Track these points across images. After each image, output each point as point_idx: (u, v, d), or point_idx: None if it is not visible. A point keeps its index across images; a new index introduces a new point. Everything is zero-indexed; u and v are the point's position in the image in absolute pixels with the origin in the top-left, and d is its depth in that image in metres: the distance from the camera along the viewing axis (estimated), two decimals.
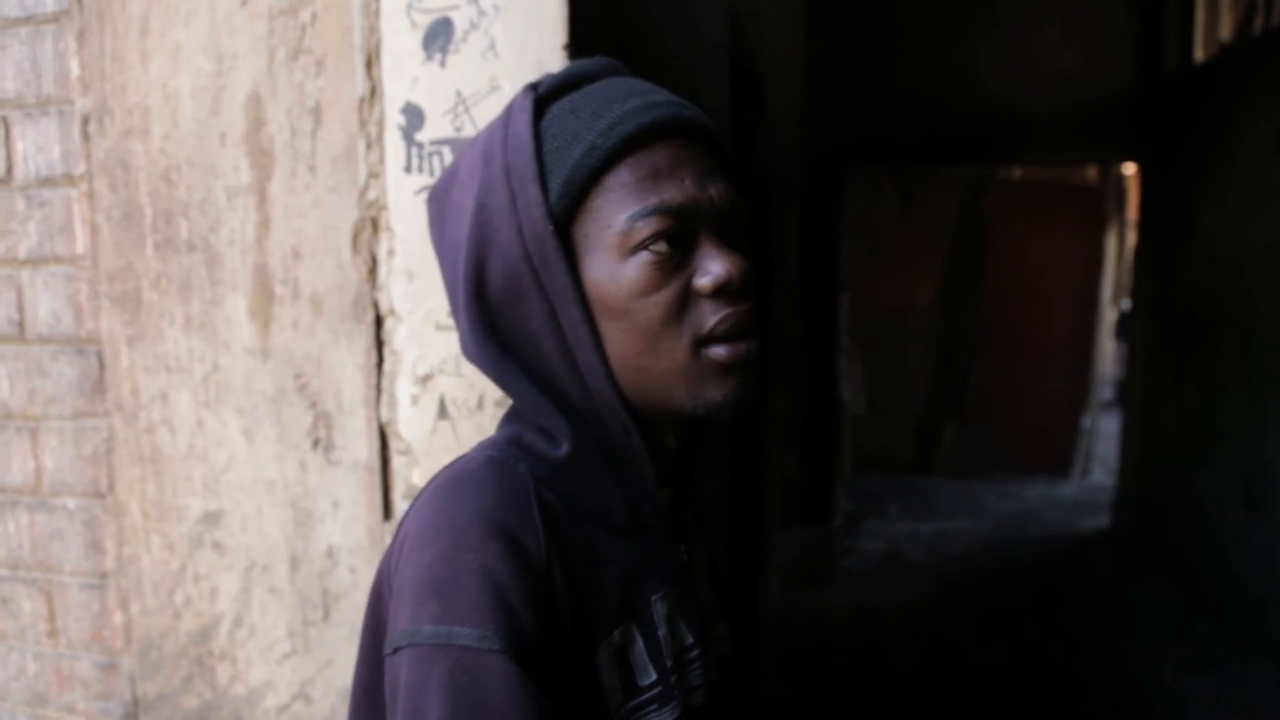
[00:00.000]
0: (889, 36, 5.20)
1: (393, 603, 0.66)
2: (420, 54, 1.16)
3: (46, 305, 1.38)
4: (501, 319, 0.70)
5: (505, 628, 0.61)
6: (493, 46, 1.13)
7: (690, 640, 0.77)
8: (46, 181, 1.36)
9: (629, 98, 0.69)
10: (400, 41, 1.17)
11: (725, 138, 0.73)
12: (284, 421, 1.30)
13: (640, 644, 0.71)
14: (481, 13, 1.13)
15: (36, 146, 1.35)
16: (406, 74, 1.17)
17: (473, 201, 0.69)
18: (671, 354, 0.68)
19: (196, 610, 1.39)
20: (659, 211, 0.66)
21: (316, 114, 1.23)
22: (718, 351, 0.68)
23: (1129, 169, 6.81)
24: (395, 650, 0.63)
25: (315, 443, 1.30)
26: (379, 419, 1.26)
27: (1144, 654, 4.13)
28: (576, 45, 1.13)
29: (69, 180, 1.35)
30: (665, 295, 0.67)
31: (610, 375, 0.68)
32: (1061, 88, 5.24)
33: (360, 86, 1.20)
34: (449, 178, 0.74)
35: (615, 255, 0.67)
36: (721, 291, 0.68)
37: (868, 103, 5.23)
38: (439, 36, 1.15)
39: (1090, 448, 7.21)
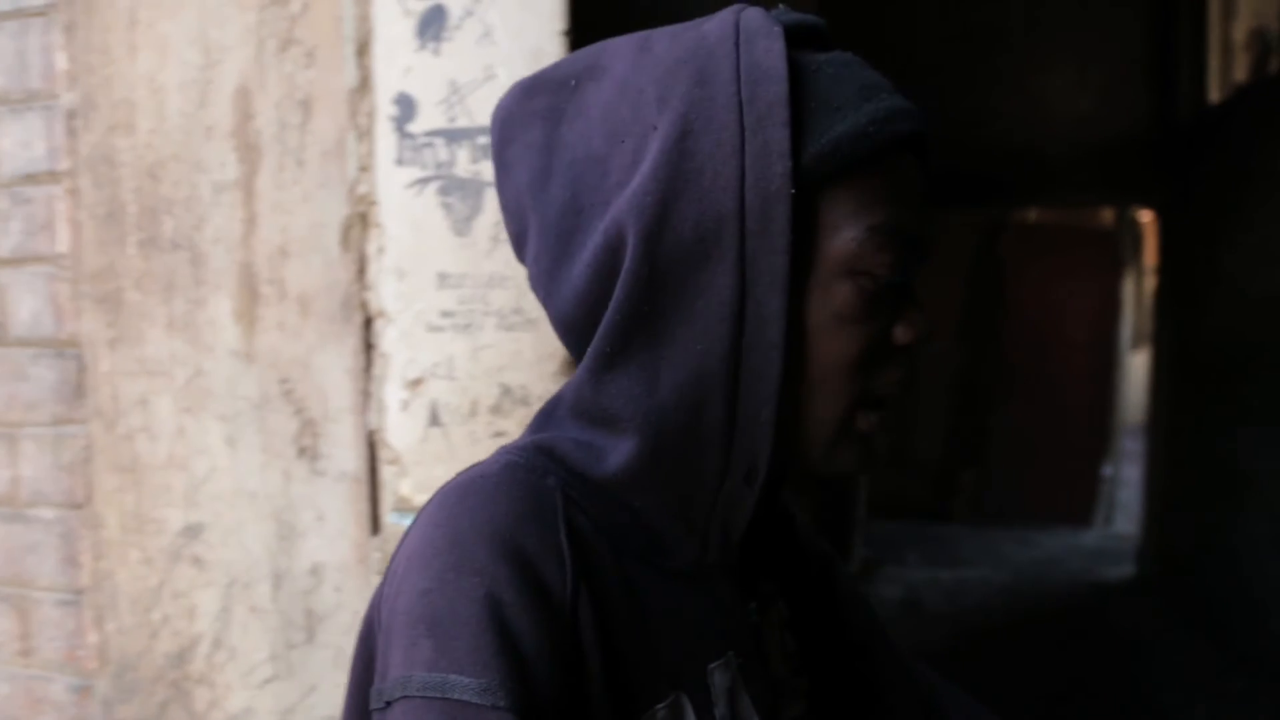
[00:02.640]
0: (901, 77, 5.20)
1: (382, 637, 0.53)
2: (413, 42, 1.12)
3: (27, 306, 1.34)
4: (668, 282, 0.54)
5: (514, 679, 0.48)
6: (488, 33, 1.09)
7: None
8: (29, 178, 1.32)
9: (890, 91, 0.57)
10: (393, 30, 1.13)
11: None
12: (268, 429, 1.24)
13: None
14: None
15: (20, 143, 1.32)
16: (399, 63, 1.13)
17: (665, 122, 0.54)
18: (834, 403, 0.57)
19: (174, 629, 1.32)
20: (900, 232, 0.56)
21: (306, 106, 1.18)
22: (870, 419, 0.58)
23: (1145, 215, 6.77)
24: (386, 704, 0.50)
25: (300, 451, 1.24)
26: (367, 426, 1.19)
27: (1176, 708, 3.96)
28: (577, 31, 1.08)
29: (52, 177, 1.31)
30: (868, 330, 0.56)
31: (780, 395, 0.54)
32: (1077, 129, 5.21)
33: (351, 77, 1.16)
34: (579, 71, 0.59)
35: (837, 265, 0.55)
36: (910, 350, 0.58)
37: None
38: (433, 24, 1.11)
39: (1112, 495, 7.05)
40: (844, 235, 0.55)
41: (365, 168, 1.16)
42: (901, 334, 0.58)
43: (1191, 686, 4.20)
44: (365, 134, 1.15)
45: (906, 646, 0.85)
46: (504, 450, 0.59)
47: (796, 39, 0.57)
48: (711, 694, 0.57)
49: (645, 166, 0.54)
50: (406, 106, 1.12)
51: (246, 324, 1.23)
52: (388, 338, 1.16)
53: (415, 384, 1.16)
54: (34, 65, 1.30)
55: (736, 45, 0.55)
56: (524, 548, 0.51)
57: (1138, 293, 7.41)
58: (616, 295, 0.54)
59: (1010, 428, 7.01)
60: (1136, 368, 7.38)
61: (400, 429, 1.17)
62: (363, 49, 1.15)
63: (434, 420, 1.16)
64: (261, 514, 1.26)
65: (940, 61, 5.23)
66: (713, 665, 0.58)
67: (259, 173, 1.21)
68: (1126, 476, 7.41)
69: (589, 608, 0.52)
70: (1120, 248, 7.03)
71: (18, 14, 1.29)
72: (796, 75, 0.55)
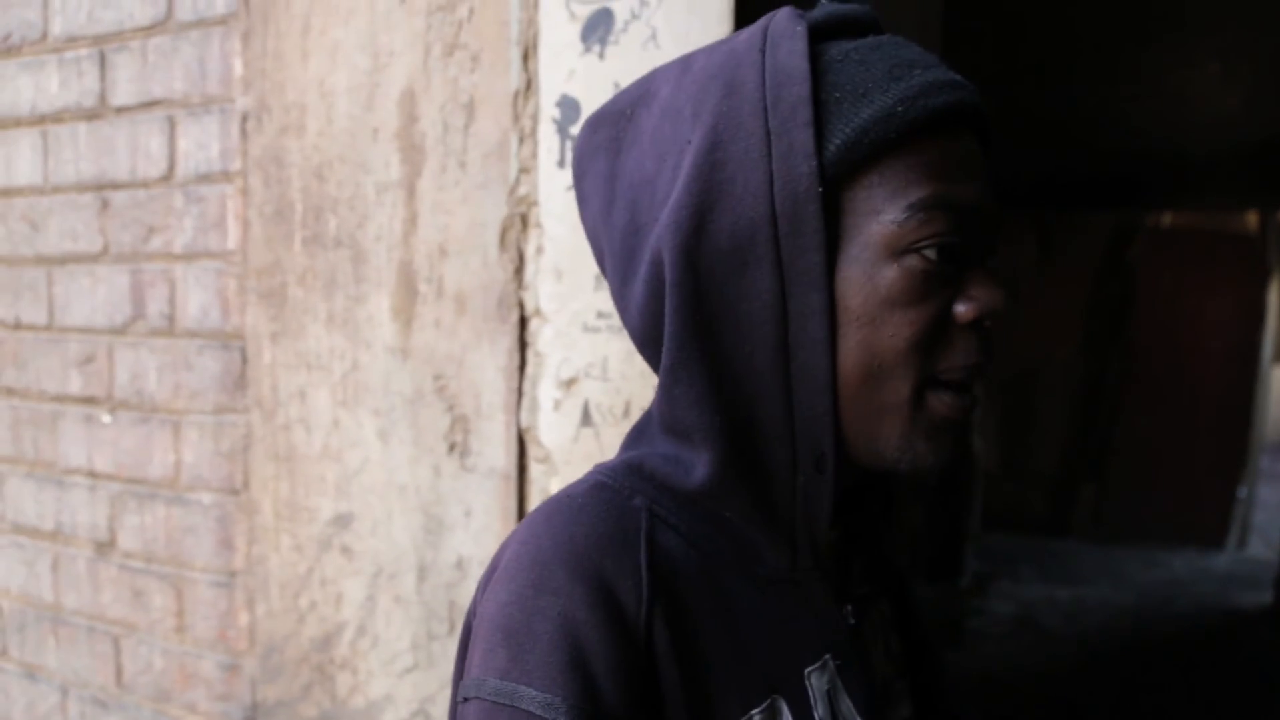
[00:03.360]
0: (1029, 72, 5.00)
1: (473, 640, 0.56)
2: (578, 45, 1.12)
3: (196, 300, 1.40)
4: (710, 286, 0.55)
5: (579, 696, 0.51)
6: (654, 37, 1.08)
7: None
8: (204, 178, 1.38)
9: (926, 67, 0.56)
10: (558, 33, 1.13)
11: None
12: (420, 424, 1.27)
13: None
14: (643, 3, 1.08)
15: (197, 144, 1.38)
16: (563, 66, 1.13)
17: (698, 136, 0.56)
18: (897, 389, 0.55)
19: (321, 615, 1.36)
20: (946, 206, 0.54)
21: (469, 109, 1.20)
22: (944, 400, 0.56)
23: None
24: (464, 700, 0.54)
25: (451, 447, 1.26)
26: (518, 424, 1.20)
27: None
28: None
29: (225, 177, 1.36)
30: (923, 312, 0.55)
31: (834, 387, 0.55)
32: (1220, 129, 4.92)
33: (515, 80, 1.17)
34: (634, 100, 0.62)
35: (879, 250, 0.55)
36: (979, 328, 0.56)
37: (1005, 140, 5.03)
38: (598, 27, 1.11)
39: (1247, 517, 6.65)
40: (884, 218, 0.55)
41: (526, 169, 1.17)
42: (964, 311, 0.56)
43: None
44: (528, 136, 1.16)
45: (1020, 664, 0.82)
46: (596, 469, 0.61)
47: (833, 30, 0.58)
48: (810, 696, 0.59)
49: (680, 180, 0.56)
50: (570, 109, 1.13)
51: (404, 321, 1.26)
52: (543, 337, 1.17)
53: (569, 383, 1.16)
54: (213, 71, 1.35)
55: (763, 51, 0.56)
56: (601, 569, 0.53)
57: None
58: (666, 308, 0.56)
59: (1137, 440, 6.69)
60: (1279, 382, 6.95)
61: (552, 428, 1.18)
62: (528, 53, 1.16)
63: (586, 420, 1.16)
64: (410, 507, 1.29)
65: (1069, 55, 5.01)
66: (809, 669, 0.59)
67: (421, 173, 1.23)
68: (1264, 497, 6.99)
69: (666, 627, 0.54)
70: (1264, 253, 6.62)
71: (200, 23, 1.35)
72: (823, 70, 0.56)
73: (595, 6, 1.11)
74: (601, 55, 1.11)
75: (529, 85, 1.16)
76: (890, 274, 0.54)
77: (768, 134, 0.54)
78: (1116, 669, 4.47)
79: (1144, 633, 4.99)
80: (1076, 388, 6.84)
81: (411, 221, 1.24)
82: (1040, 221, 6.65)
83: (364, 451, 1.31)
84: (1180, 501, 6.52)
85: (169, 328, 1.44)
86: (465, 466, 1.24)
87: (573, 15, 1.12)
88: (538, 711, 0.50)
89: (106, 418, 1.52)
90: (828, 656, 0.60)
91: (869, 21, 0.60)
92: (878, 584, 0.71)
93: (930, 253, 0.54)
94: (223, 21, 1.34)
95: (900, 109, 0.54)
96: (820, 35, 0.58)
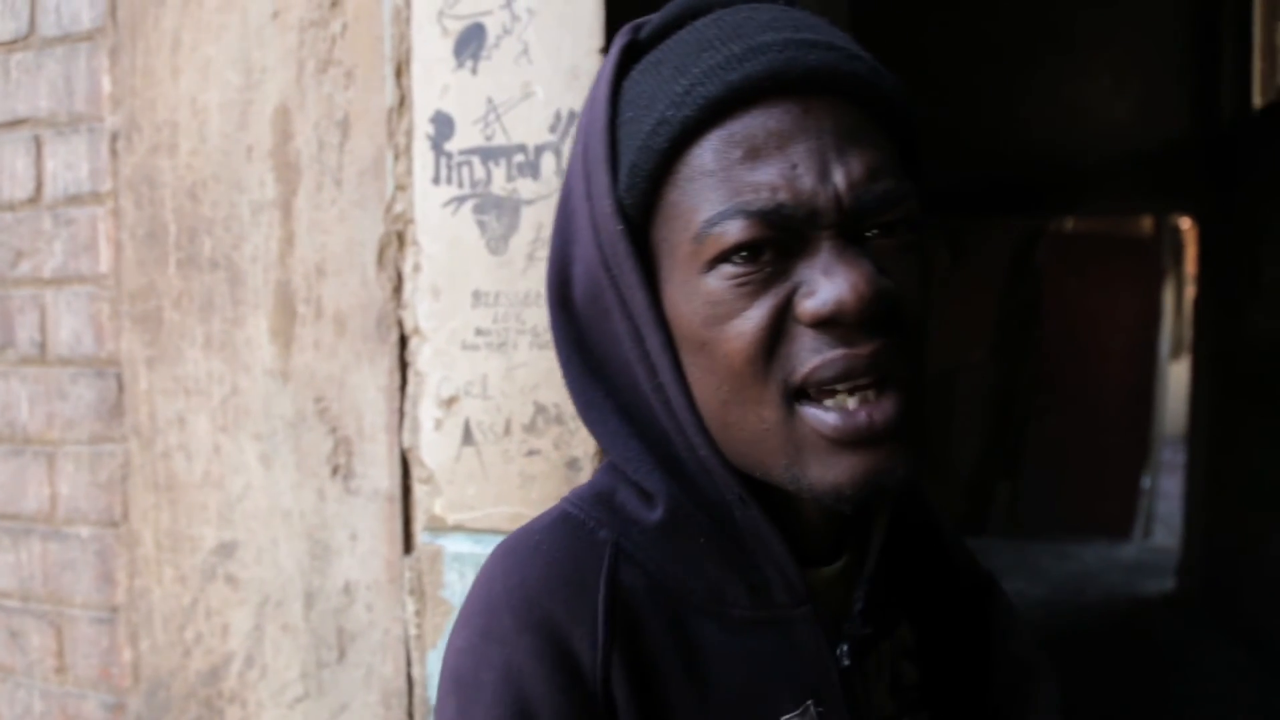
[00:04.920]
0: (935, 85, 5.16)
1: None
2: (451, 61, 1.11)
3: (68, 326, 1.35)
4: (591, 335, 0.54)
5: None
6: (526, 52, 1.08)
7: None
8: (74, 199, 1.33)
9: (732, 38, 0.49)
10: (431, 49, 1.12)
11: (904, 92, 0.55)
12: (302, 448, 1.24)
13: None
14: (515, 18, 1.08)
15: (66, 164, 1.33)
16: (437, 82, 1.12)
17: (563, 184, 0.55)
18: (759, 410, 0.49)
19: (207, 648, 1.32)
20: (742, 214, 0.47)
21: (344, 126, 1.18)
22: (821, 418, 0.48)
23: (1185, 223, 6.66)
24: None
25: (334, 470, 1.23)
26: (401, 445, 1.19)
27: None
28: None
29: (95, 198, 1.32)
30: (750, 322, 0.48)
31: (703, 426, 0.51)
32: (1115, 137, 5.13)
33: (390, 96, 1.16)
34: None
35: (692, 267, 0.49)
36: (832, 322, 0.47)
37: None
38: (471, 43, 1.10)
39: (1151, 508, 6.92)
40: (684, 238, 0.50)
41: (402, 186, 1.16)
42: (805, 308, 0.48)
43: (1233, 703, 4.10)
44: (403, 153, 1.15)
45: None
46: (568, 497, 0.57)
47: (679, 23, 0.53)
48: None
49: (553, 230, 0.55)
50: (444, 125, 1.12)
51: (283, 343, 1.23)
52: (422, 356, 1.16)
53: (449, 402, 1.15)
54: (80, 88, 1.31)
55: (594, 83, 0.54)
56: (553, 616, 0.50)
57: (1177, 302, 7.28)
58: (559, 357, 0.56)
59: (1047, 439, 6.91)
60: (1176, 378, 7.25)
61: (434, 448, 1.16)
62: (401, 69, 1.15)
63: (468, 439, 1.15)
64: (295, 532, 1.26)
65: (972, 69, 5.18)
66: (787, 717, 0.54)
67: (297, 192, 1.21)
68: (1166, 488, 7.28)
69: (626, 677, 0.50)
70: (1159, 256, 6.92)
71: (65, 39, 1.31)
72: (626, 88, 0.53)
73: (467, 22, 1.11)
74: (474, 70, 1.10)
75: (403, 101, 1.15)
76: (705, 288, 0.49)
77: (587, 176, 0.52)
78: None
79: (1058, 624, 5.15)
80: (990, 389, 7.04)
81: (288, 241, 1.22)
82: (951, 229, 6.84)
83: (246, 477, 1.28)
84: (1089, 495, 6.75)
85: (40, 355, 1.38)
86: (349, 489, 1.22)
87: (445, 31, 1.11)
88: None
89: None
90: (809, 703, 0.55)
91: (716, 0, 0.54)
92: (893, 614, 0.62)
93: (738, 257, 0.48)
94: (89, 37, 1.30)
95: (671, 112, 0.49)
96: (659, 37, 0.53)
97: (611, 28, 1.06)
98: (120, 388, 1.33)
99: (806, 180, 0.47)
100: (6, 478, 1.43)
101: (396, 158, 1.16)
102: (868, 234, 0.49)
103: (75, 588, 1.39)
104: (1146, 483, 6.86)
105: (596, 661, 0.50)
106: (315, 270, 1.21)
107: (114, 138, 1.31)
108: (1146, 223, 6.98)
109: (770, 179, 0.47)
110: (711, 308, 0.49)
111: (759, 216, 0.47)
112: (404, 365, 1.17)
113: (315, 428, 1.23)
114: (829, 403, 0.48)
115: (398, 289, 1.17)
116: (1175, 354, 7.35)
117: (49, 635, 1.42)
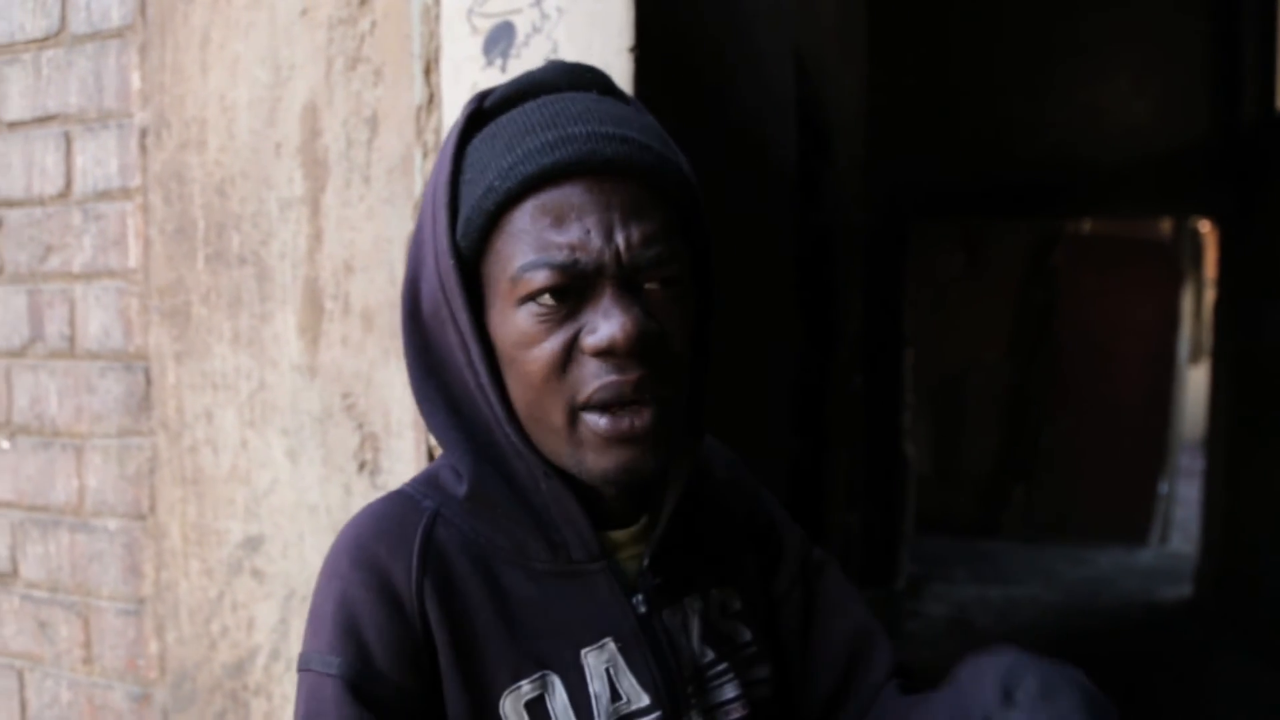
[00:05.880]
0: (954, 87, 5.14)
1: None
2: (480, 59, 1.12)
3: (97, 320, 1.36)
4: (433, 342, 0.68)
5: (354, 656, 0.64)
6: (555, 50, 1.09)
7: (647, 702, 0.69)
8: (103, 195, 1.34)
9: (549, 126, 0.64)
10: (460, 47, 1.13)
11: (686, 173, 0.70)
12: (329, 443, 1.25)
13: (562, 697, 0.67)
14: (544, 16, 1.09)
15: (95, 160, 1.34)
16: (465, 80, 1.13)
17: (419, 217, 0.69)
18: (552, 414, 0.65)
19: (233, 641, 1.33)
20: (546, 265, 0.62)
21: (373, 123, 1.19)
22: (596, 422, 0.64)
23: (1205, 226, 6.60)
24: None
25: (361, 465, 1.24)
26: (428, 441, 1.19)
27: None
28: (642, 49, 1.08)
29: (125, 193, 1.33)
30: (546, 350, 0.63)
31: (513, 419, 0.66)
32: (1133, 139, 5.09)
33: (418, 94, 1.16)
34: None
35: (509, 300, 0.64)
36: (608, 353, 0.63)
37: (932, 154, 5.14)
38: (500, 41, 1.11)
39: (1169, 513, 6.87)
40: (504, 278, 0.64)
41: None
42: (588, 343, 0.63)
43: (1250, 711, 4.07)
44: (431, 151, 1.16)
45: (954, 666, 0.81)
46: (407, 481, 0.73)
47: (514, 100, 0.68)
48: (585, 674, 0.68)
49: (409, 252, 0.70)
50: None
51: (310, 339, 1.24)
52: None
53: None
54: (110, 85, 1.32)
55: (447, 139, 0.68)
56: (377, 555, 0.66)
57: (1197, 306, 7.23)
58: (409, 356, 0.70)
59: (1063, 442, 6.87)
60: (1195, 382, 7.20)
61: None
62: (430, 67, 1.15)
63: None
64: (321, 527, 1.27)
65: (991, 70, 5.15)
66: (586, 650, 0.68)
67: (325, 189, 1.21)
68: (1184, 494, 7.23)
69: (436, 602, 0.65)
70: (1178, 259, 6.87)
71: (95, 36, 1.32)
72: (469, 152, 0.66)
73: (497, 20, 1.11)
74: (504, 69, 1.11)
75: (431, 99, 1.15)
76: (516, 320, 0.64)
77: (434, 216, 0.66)
78: None
79: (1072, 629, 5.12)
80: (1004, 391, 7.01)
81: (316, 238, 1.22)
82: (967, 231, 6.82)
83: (273, 472, 1.29)
84: (1105, 500, 6.71)
85: (69, 349, 1.39)
86: (376, 485, 1.23)
87: (474, 29, 1.12)
88: (321, 669, 0.64)
89: (5, 443, 1.47)
90: (608, 639, 0.69)
91: (561, 81, 0.70)
92: (701, 578, 0.76)
93: (543, 300, 0.62)
94: (119, 34, 1.31)
95: (498, 183, 0.63)
96: (499, 109, 0.68)
97: (642, 27, 1.07)
98: (148, 382, 1.34)
99: (596, 242, 0.62)
100: (35, 470, 1.44)
101: (425, 155, 1.16)
102: (647, 285, 0.64)
103: (103, 579, 1.40)
104: (1164, 488, 6.81)
105: (411, 589, 0.65)
106: (343, 266, 1.22)
107: (143, 134, 1.32)
108: (1165, 225, 6.93)
109: (570, 239, 0.62)
110: (520, 335, 0.64)
111: (559, 268, 0.62)
112: None
113: (342, 423, 1.23)
114: (593, 415, 0.64)
115: None
116: (1194, 358, 7.29)
117: (77, 626, 1.43)
